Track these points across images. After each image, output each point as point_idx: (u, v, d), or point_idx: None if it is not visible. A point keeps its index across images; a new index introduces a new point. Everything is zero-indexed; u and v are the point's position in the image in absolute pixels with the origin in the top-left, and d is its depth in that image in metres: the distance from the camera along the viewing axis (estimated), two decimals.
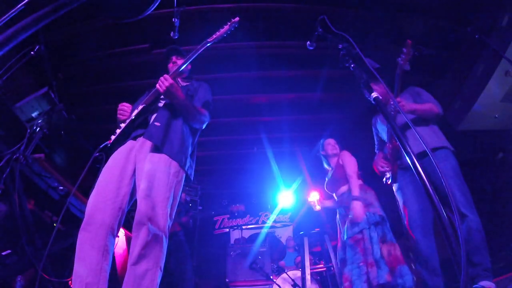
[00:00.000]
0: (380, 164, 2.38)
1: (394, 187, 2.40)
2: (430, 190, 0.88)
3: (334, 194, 2.92)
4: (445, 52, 3.63)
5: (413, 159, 0.95)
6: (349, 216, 2.57)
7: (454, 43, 3.48)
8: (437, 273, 2.04)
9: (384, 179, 2.41)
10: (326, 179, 3.03)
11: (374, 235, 2.41)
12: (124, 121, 1.76)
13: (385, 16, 3.23)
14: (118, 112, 1.80)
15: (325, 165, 3.08)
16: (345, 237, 2.56)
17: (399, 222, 2.41)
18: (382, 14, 3.22)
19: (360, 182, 2.73)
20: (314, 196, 3.02)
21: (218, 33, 1.90)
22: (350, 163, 2.78)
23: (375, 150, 2.67)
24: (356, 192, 2.56)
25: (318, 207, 2.94)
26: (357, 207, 2.48)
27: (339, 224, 2.79)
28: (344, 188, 2.78)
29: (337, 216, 2.84)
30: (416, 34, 3.28)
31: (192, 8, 3.09)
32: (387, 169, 2.34)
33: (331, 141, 3.06)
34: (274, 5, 3.25)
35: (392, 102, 2.03)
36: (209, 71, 3.74)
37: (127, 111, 1.80)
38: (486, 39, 2.42)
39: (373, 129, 2.70)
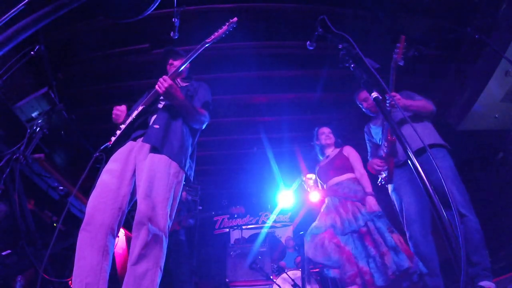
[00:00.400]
0: (376, 163, 2.36)
1: (389, 188, 2.38)
2: (430, 188, 0.87)
3: (324, 184, 2.88)
4: (445, 52, 3.63)
5: (408, 152, 0.94)
6: (351, 210, 2.54)
7: (454, 43, 3.48)
8: (437, 273, 2.04)
9: (380, 179, 2.39)
10: (318, 167, 2.95)
11: (380, 226, 2.37)
12: (123, 122, 1.77)
13: (385, 16, 3.23)
14: (113, 116, 1.83)
15: (319, 155, 2.99)
16: (349, 229, 2.49)
17: (396, 221, 2.41)
18: (382, 14, 3.22)
19: None
20: (310, 176, 2.94)
21: (216, 34, 1.91)
22: (359, 158, 2.77)
23: (368, 158, 2.64)
24: (370, 188, 2.58)
25: (314, 194, 2.85)
26: (374, 200, 2.49)
27: (326, 211, 2.71)
28: (336, 179, 2.73)
29: (324, 205, 2.76)
30: (416, 34, 3.28)
31: (192, 8, 3.08)
32: (384, 167, 2.32)
33: (325, 130, 2.96)
34: (274, 5, 3.24)
35: (387, 97, 2.04)
36: (209, 71, 3.74)
37: (121, 116, 1.82)
38: (486, 39, 2.43)
39: (366, 136, 2.68)
